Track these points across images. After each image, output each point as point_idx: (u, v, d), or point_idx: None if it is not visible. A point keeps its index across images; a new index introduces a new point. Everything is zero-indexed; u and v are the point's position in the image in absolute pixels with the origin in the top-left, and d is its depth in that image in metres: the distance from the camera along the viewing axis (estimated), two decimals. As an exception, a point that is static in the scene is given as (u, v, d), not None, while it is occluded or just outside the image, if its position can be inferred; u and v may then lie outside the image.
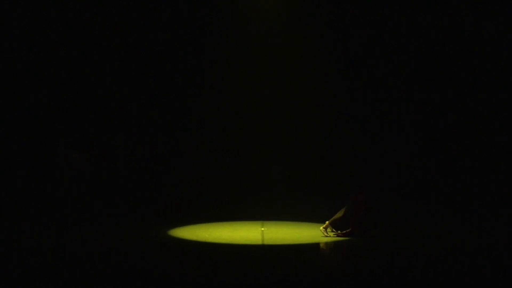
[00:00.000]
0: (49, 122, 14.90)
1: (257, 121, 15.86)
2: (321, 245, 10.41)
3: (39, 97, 14.93)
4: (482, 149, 15.17)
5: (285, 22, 15.56)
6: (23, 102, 14.83)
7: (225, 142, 15.89)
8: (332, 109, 15.83)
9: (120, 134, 15.48)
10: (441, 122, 15.50)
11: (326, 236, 10.81)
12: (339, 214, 10.93)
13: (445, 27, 15.31)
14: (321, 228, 10.94)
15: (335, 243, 10.57)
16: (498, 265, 8.91)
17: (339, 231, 10.88)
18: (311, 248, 10.24)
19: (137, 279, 7.89)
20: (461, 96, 15.37)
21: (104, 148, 14.99)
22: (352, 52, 15.69)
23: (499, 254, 9.68)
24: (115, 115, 15.50)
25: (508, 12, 14.97)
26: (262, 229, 11.66)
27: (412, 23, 15.41)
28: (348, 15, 15.52)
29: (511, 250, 10.04)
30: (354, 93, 15.73)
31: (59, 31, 14.90)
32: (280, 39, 15.71)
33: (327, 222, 11.00)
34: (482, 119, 15.23)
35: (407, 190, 15.14)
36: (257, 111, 15.89)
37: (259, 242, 10.50)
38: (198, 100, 15.86)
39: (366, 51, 15.61)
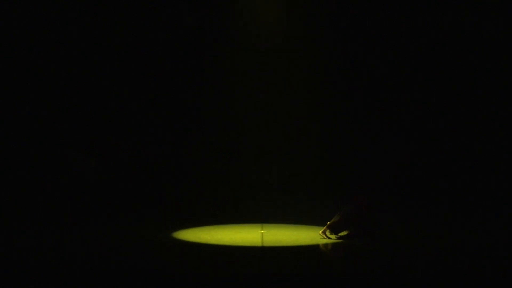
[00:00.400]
0: (51, 124, 14.93)
1: (256, 122, 15.85)
2: (321, 246, 10.43)
3: (44, 99, 14.96)
4: (482, 149, 15.17)
5: (285, 22, 15.55)
6: (29, 104, 14.87)
7: (225, 143, 15.87)
8: (331, 110, 15.81)
9: (122, 135, 15.47)
10: (441, 122, 15.49)
11: (325, 238, 10.83)
12: (336, 218, 10.92)
13: (445, 27, 15.30)
14: (320, 232, 10.95)
15: (334, 244, 10.59)
16: (498, 265, 8.91)
17: (338, 234, 10.88)
18: (310, 249, 10.28)
19: (141, 279, 7.94)
20: (461, 96, 15.36)
21: (107, 149, 15.02)
22: (352, 53, 15.68)
23: (499, 254, 9.68)
24: (116, 116, 15.49)
25: (508, 12, 14.97)
26: (262, 231, 11.76)
27: (412, 23, 15.40)
28: (348, 15, 15.51)
29: (511, 250, 10.05)
30: (354, 94, 15.71)
31: (64, 33, 14.95)
32: (280, 39, 15.70)
33: (328, 223, 10.99)
34: (482, 119, 15.22)
35: (407, 190, 15.14)
36: (257, 112, 15.87)
37: (259, 244, 10.59)
38: (200, 102, 15.86)
39: (366, 51, 15.60)
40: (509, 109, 15.13)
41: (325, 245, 10.49)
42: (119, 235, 11.14)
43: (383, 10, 15.45)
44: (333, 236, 10.85)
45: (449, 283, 7.96)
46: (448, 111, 15.45)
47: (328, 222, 10.94)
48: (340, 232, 10.88)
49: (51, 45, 14.95)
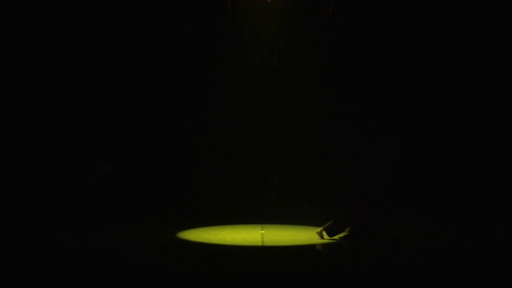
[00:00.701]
0: (52, 124, 14.97)
1: (256, 122, 15.84)
2: (319, 246, 10.47)
3: (44, 99, 15.03)
4: (482, 149, 15.17)
5: (285, 22, 15.55)
6: (30, 104, 14.92)
7: (226, 143, 15.87)
8: (331, 110, 15.81)
9: (123, 136, 15.46)
10: (441, 122, 15.49)
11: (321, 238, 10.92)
12: (334, 220, 10.96)
13: (445, 27, 15.31)
14: (316, 232, 11.01)
15: (333, 244, 10.62)
16: (498, 265, 8.92)
17: (335, 236, 10.93)
18: (310, 249, 10.34)
19: (143, 279, 7.99)
20: (461, 96, 15.37)
21: (107, 150, 15.02)
22: (352, 53, 15.68)
23: (499, 254, 9.69)
24: (117, 117, 15.49)
25: (508, 12, 14.99)
26: (262, 231, 11.89)
27: (412, 23, 15.41)
28: (348, 15, 15.52)
29: (511, 250, 10.06)
30: (354, 94, 15.72)
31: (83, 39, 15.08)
32: (280, 39, 15.70)
33: (324, 226, 11.04)
34: (482, 119, 15.22)
35: (407, 190, 15.14)
36: (257, 112, 15.86)
37: (259, 244, 10.66)
38: (200, 102, 15.86)
39: (366, 52, 15.61)
40: (509, 109, 15.14)
41: (324, 245, 10.52)
42: (121, 235, 11.21)
43: (383, 10, 15.46)
44: (327, 237, 10.90)
45: (449, 283, 7.97)
46: (448, 111, 15.45)
47: (325, 225, 10.99)
48: (337, 234, 10.92)
49: (55, 45, 15.01)
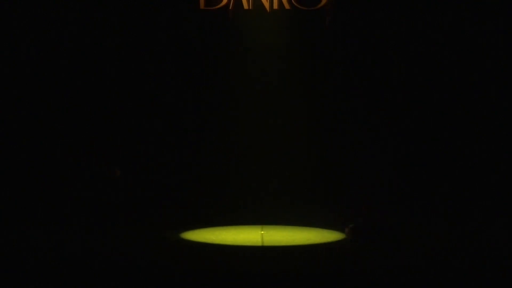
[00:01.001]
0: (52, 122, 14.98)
1: (256, 122, 15.81)
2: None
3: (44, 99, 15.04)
4: (482, 149, 15.17)
5: (285, 21, 15.54)
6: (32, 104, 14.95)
7: (226, 143, 15.84)
8: (331, 110, 15.78)
9: (123, 136, 15.45)
10: (440, 122, 15.48)
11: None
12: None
13: (445, 27, 15.30)
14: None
15: (333, 244, 10.64)
16: (498, 265, 8.92)
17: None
18: (309, 249, 10.37)
19: (145, 279, 8.01)
20: (460, 96, 15.35)
21: (109, 151, 15.03)
22: (352, 53, 15.66)
23: (499, 254, 9.69)
24: (116, 117, 15.48)
25: (508, 12, 14.98)
26: (262, 232, 11.92)
27: (412, 23, 15.39)
28: (348, 15, 15.50)
29: (511, 250, 10.06)
30: (354, 94, 15.69)
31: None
32: (280, 39, 15.68)
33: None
34: (482, 119, 15.21)
35: (407, 190, 15.12)
36: (257, 112, 15.84)
37: (259, 244, 10.69)
38: (200, 102, 15.84)
39: (366, 52, 15.59)
40: (509, 109, 15.13)
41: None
42: (121, 235, 11.23)
43: (383, 10, 15.44)
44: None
45: (449, 283, 7.97)
46: (448, 111, 15.43)
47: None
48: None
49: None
